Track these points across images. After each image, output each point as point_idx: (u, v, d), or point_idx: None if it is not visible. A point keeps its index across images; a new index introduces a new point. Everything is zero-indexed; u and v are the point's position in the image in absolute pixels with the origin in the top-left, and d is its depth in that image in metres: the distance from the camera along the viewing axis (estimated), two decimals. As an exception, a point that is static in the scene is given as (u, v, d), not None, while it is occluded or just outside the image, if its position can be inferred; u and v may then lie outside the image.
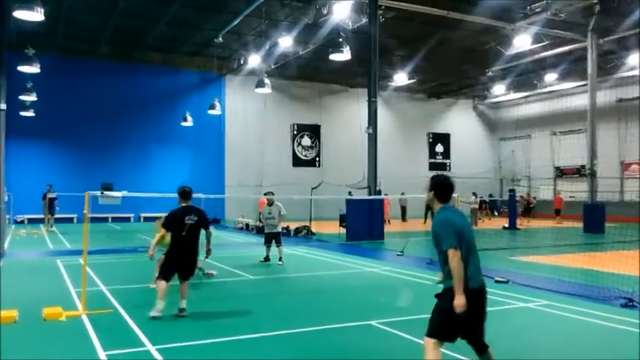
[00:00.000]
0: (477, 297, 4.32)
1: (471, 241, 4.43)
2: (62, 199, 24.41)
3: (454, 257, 4.23)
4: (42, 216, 23.94)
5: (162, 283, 7.53)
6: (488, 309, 7.65)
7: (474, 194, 26.10)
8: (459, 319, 4.19)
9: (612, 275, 10.33)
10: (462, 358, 5.88)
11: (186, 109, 29.36)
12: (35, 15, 12.72)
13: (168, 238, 8.43)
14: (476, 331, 4.44)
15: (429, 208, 29.37)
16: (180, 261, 7.70)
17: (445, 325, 4.32)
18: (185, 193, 7.93)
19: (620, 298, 8.55)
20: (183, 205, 7.85)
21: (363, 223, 19.34)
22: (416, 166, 35.98)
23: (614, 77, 29.82)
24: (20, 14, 12.86)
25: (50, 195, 22.94)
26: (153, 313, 7.32)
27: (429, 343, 4.33)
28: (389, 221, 26.98)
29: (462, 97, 40.42)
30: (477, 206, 26.81)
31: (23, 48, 19.36)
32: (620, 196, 30.66)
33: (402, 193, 27.17)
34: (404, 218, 31.24)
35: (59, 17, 23.39)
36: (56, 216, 23.98)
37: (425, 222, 28.86)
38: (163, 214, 8.46)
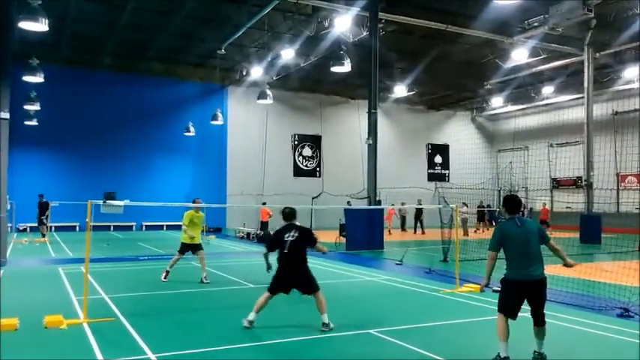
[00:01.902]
0: (513, 286, 5.83)
1: (519, 245, 5.80)
2: (65, 207, 24.52)
3: (488, 257, 6.01)
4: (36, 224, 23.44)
5: (264, 295, 7.61)
6: (481, 318, 7.81)
7: (465, 204, 26.35)
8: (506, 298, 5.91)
9: (608, 285, 10.39)
10: (440, 359, 6.10)
11: (188, 120, 29.60)
12: (40, 26, 12.94)
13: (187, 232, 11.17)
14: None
15: (418, 219, 29.74)
16: (284, 278, 7.64)
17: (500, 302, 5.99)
18: (283, 214, 8.04)
19: (616, 308, 8.59)
20: (286, 224, 7.91)
21: (363, 232, 19.47)
22: (415, 177, 36.15)
23: (610, 90, 30.08)
24: (25, 25, 13.08)
25: (44, 202, 22.68)
26: (244, 323, 7.45)
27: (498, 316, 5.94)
28: (389, 231, 27.12)
29: (460, 109, 40.73)
30: (467, 216, 27.09)
31: (28, 58, 19.64)
32: (617, 207, 30.88)
33: (403, 203, 27.36)
34: (403, 228, 31.39)
35: (63, 28, 23.66)
36: (59, 224, 23.96)
37: (415, 232, 29.12)
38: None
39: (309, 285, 7.62)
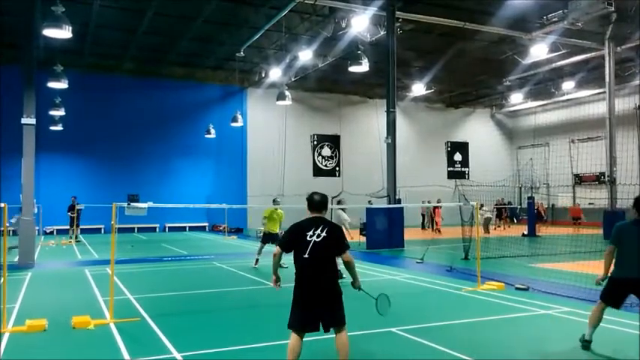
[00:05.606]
0: (618, 284, 6.25)
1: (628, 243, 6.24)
2: (89, 210, 24.97)
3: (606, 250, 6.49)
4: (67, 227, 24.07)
5: (292, 338, 5.16)
6: (504, 316, 7.75)
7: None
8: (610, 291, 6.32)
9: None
10: (464, 357, 6.10)
11: (209, 122, 29.92)
12: (63, 33, 13.23)
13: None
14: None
15: (432, 217, 29.71)
16: (303, 299, 5.17)
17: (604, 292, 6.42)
18: (311, 202, 5.48)
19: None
20: (312, 216, 5.42)
21: (383, 231, 19.54)
22: (435, 175, 36.02)
23: (632, 84, 29.56)
24: (49, 32, 13.38)
25: (78, 207, 23.28)
26: None
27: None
28: (439, 230, 27.41)
29: (479, 106, 40.42)
30: (489, 214, 27.01)
31: (52, 65, 20.09)
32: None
33: (423, 202, 27.26)
34: (424, 226, 31.33)
35: (86, 35, 24.08)
36: (83, 226, 24.43)
37: (432, 230, 29.12)
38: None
39: (334, 312, 5.17)
